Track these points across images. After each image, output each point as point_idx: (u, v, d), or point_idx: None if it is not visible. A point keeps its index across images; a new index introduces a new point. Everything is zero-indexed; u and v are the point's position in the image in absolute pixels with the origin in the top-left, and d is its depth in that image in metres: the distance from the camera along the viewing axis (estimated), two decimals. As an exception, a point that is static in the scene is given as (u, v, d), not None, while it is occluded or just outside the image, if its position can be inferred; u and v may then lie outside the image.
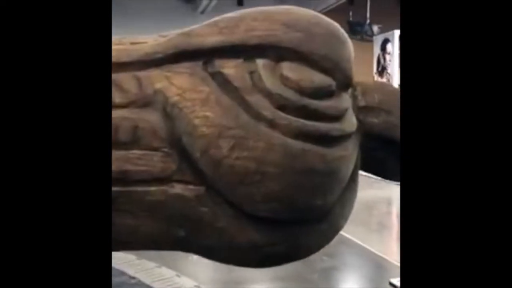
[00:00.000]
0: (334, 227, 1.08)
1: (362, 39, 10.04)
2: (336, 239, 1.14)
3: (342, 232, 1.15)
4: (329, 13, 9.93)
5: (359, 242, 3.92)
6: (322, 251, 1.13)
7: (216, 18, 1.07)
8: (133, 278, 2.54)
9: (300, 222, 1.03)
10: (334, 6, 10.13)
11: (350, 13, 10.28)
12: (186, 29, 1.06)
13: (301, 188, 0.98)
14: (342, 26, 1.12)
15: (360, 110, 1.12)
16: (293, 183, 0.97)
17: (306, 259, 1.13)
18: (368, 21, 10.16)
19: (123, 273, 2.55)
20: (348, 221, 1.14)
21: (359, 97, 1.13)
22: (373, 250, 3.79)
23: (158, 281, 2.57)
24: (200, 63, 1.02)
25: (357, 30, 10.07)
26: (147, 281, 2.53)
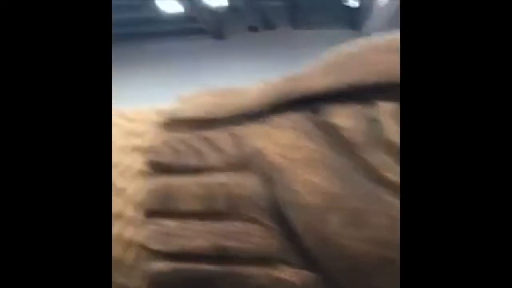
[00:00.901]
0: None
1: None
2: None
3: None
4: None
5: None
6: None
7: (329, 53, 0.86)
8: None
9: None
10: None
11: None
12: (293, 72, 0.87)
13: None
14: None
15: None
16: None
17: None
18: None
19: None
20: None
21: None
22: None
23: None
24: (308, 112, 0.82)
25: None
26: None
